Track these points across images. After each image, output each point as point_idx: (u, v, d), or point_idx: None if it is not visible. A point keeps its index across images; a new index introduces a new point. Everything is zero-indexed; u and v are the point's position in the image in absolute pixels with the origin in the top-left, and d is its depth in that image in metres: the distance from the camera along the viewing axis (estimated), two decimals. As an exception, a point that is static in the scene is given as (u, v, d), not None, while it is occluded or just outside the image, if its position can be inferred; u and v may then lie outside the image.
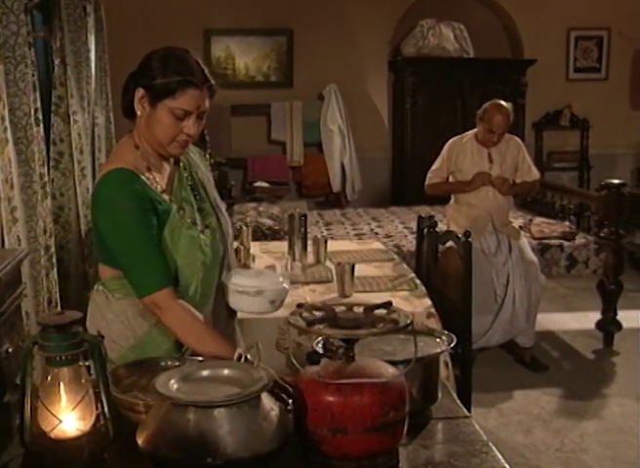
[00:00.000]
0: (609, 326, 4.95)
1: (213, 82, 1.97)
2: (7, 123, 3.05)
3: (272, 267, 3.61)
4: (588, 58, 8.12)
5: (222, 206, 2.20)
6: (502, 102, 4.34)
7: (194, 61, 1.94)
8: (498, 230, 4.47)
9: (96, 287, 2.12)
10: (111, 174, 1.95)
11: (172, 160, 2.09)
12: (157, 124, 1.94)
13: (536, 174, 4.56)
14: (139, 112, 1.96)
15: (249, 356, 1.63)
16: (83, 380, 1.50)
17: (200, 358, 1.80)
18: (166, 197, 2.00)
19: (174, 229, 1.97)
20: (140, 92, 1.94)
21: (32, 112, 3.23)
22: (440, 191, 4.58)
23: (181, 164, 2.11)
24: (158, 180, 2.02)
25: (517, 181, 4.52)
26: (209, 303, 2.07)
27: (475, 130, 4.46)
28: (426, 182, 4.53)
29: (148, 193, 1.94)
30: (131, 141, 2.03)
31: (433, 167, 4.53)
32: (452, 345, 1.87)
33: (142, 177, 1.96)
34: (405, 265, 3.89)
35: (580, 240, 5.35)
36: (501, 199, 4.49)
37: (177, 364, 1.75)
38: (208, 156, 2.34)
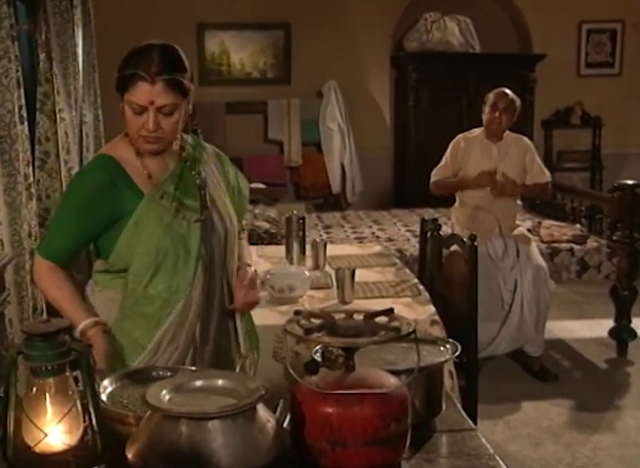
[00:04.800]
0: (622, 334, 4.94)
1: (173, 76, 2.00)
2: (-10, 121, 3.06)
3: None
4: (601, 52, 8.12)
5: (228, 213, 2.25)
6: None
7: (157, 55, 1.99)
8: (505, 234, 4.49)
9: None
10: (93, 159, 2.23)
11: (179, 157, 2.19)
12: (124, 117, 2.07)
13: (548, 176, 4.60)
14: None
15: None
16: (70, 392, 1.50)
17: (194, 368, 1.82)
18: (144, 185, 2.10)
19: (140, 216, 2.07)
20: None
21: (16, 110, 3.23)
22: (444, 188, 4.61)
23: (187, 163, 2.20)
24: (148, 165, 2.12)
25: (527, 184, 4.56)
26: (185, 302, 2.12)
27: (482, 128, 4.52)
28: (431, 180, 4.57)
29: (117, 181, 2.08)
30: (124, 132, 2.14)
31: (438, 165, 4.58)
32: (456, 354, 1.87)
33: (122, 164, 2.10)
34: (408, 270, 3.89)
35: (591, 244, 5.35)
36: (509, 201, 4.51)
37: (169, 374, 1.75)
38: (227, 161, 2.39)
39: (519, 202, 4.65)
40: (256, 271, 2.36)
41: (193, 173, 2.18)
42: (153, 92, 1.98)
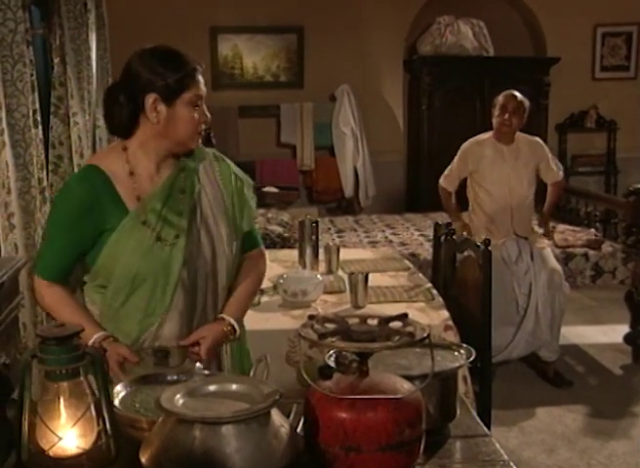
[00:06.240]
0: (638, 339, 4.92)
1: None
2: (4, 125, 3.08)
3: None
4: (616, 55, 8.09)
5: (219, 231, 2.12)
6: None
7: (177, 50, 2.04)
8: (519, 237, 4.49)
9: None
10: (80, 169, 2.23)
11: (175, 167, 2.09)
12: (179, 121, 2.00)
13: (559, 175, 4.62)
14: (154, 119, 1.99)
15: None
16: (84, 395, 1.51)
17: (206, 371, 1.82)
18: (131, 202, 2.03)
19: (122, 235, 2.01)
20: (151, 97, 1.97)
21: (31, 114, 3.25)
22: (445, 203, 4.77)
23: (184, 172, 2.09)
24: (138, 187, 2.04)
25: (545, 180, 4.67)
26: (159, 325, 2.06)
27: (491, 131, 4.56)
28: (440, 183, 4.71)
29: (102, 194, 2.01)
30: (120, 144, 2.09)
31: (445, 172, 4.69)
32: (471, 359, 1.87)
33: (111, 177, 2.03)
34: (421, 275, 3.89)
35: (606, 248, 5.33)
36: (524, 204, 4.52)
37: (183, 378, 1.75)
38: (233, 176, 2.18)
39: (532, 205, 4.64)
40: (231, 330, 2.13)
41: (185, 184, 2.08)
42: (203, 79, 2.05)
